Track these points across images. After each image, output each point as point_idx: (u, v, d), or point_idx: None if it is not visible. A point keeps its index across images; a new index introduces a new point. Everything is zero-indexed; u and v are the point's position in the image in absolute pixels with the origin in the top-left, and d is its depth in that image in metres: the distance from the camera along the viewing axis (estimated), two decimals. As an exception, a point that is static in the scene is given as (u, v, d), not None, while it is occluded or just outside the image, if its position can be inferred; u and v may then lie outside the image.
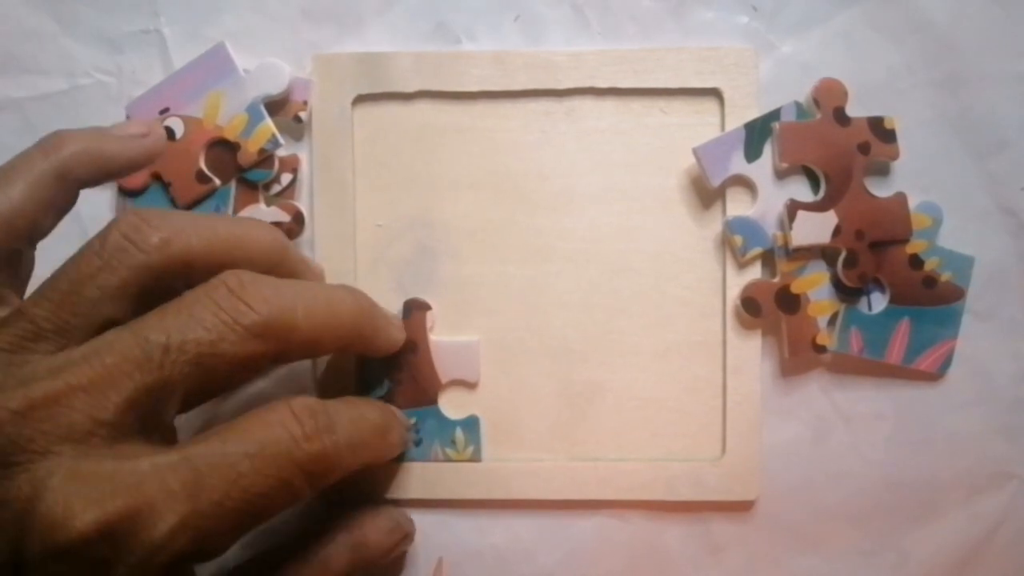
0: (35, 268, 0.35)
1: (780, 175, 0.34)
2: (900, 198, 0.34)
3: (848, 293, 0.34)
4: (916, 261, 0.34)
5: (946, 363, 0.34)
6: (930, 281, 0.34)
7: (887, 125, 0.34)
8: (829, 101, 0.34)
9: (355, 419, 0.28)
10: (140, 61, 0.36)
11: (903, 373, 0.35)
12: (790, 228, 0.33)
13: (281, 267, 0.28)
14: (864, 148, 0.34)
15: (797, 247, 0.33)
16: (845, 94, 0.34)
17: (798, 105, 0.34)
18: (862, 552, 0.35)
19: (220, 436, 0.24)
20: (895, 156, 0.34)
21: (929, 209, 0.34)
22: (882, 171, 0.35)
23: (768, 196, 0.34)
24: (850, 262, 0.33)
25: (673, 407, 0.35)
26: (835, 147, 0.34)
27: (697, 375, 0.35)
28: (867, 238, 0.33)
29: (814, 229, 0.33)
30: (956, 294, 0.34)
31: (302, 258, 0.32)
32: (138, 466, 0.23)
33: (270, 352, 0.25)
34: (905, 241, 0.34)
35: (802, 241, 0.33)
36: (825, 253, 0.34)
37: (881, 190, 0.34)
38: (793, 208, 0.33)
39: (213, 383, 0.25)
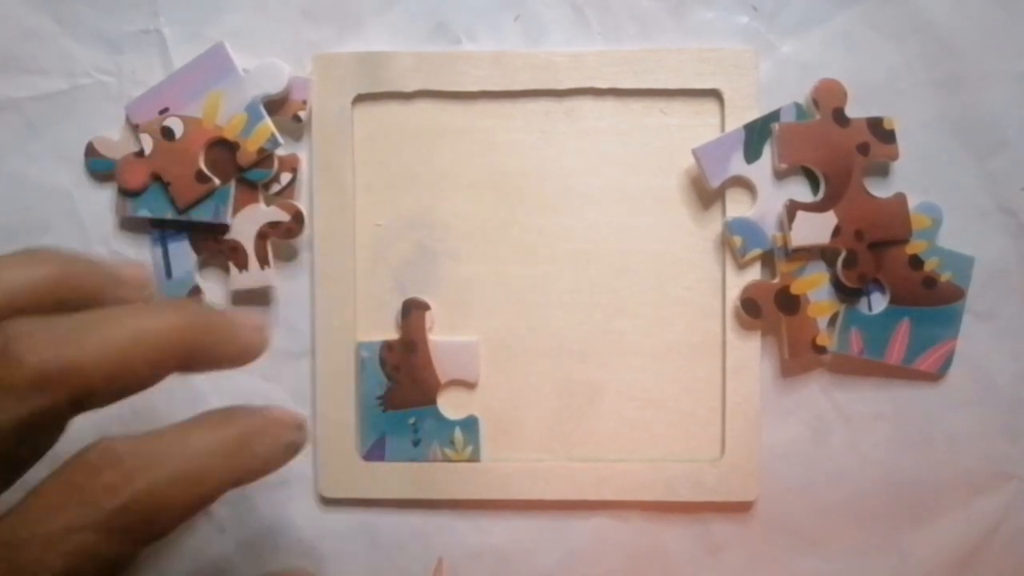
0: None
1: (780, 176, 0.34)
2: (900, 198, 0.34)
3: (848, 293, 0.34)
4: (916, 261, 0.34)
5: (946, 363, 0.34)
6: (930, 281, 0.34)
7: (886, 126, 0.34)
8: (828, 102, 0.34)
9: (177, 446, 0.24)
10: (140, 61, 0.36)
11: (903, 373, 0.34)
12: (789, 228, 0.33)
13: (73, 295, 0.24)
14: (863, 149, 0.34)
15: (797, 247, 0.33)
16: (844, 95, 0.34)
17: (798, 106, 0.34)
18: (862, 552, 0.35)
19: (11, 515, 0.21)
20: (894, 156, 0.34)
21: (929, 209, 0.34)
22: (882, 171, 0.35)
23: (768, 197, 0.34)
24: (849, 262, 0.33)
25: (672, 408, 0.35)
26: (834, 148, 0.34)
27: (697, 376, 0.35)
28: (867, 238, 0.33)
29: (813, 229, 0.33)
30: (956, 294, 0.34)
31: (108, 272, 0.26)
32: None
33: (60, 403, 0.22)
34: (905, 241, 0.34)
35: (801, 241, 0.33)
36: (825, 253, 0.34)
37: (881, 190, 0.34)
38: (792, 208, 0.33)
39: (4, 456, 0.22)
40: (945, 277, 0.34)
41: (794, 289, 0.34)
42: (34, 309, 0.23)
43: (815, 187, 0.34)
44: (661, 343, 0.35)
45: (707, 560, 0.35)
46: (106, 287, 0.25)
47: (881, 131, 0.34)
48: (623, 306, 0.35)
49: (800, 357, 0.34)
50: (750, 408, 0.34)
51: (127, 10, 0.36)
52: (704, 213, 0.35)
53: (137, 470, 0.22)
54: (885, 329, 0.34)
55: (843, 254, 0.33)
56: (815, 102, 0.34)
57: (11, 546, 0.21)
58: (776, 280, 0.34)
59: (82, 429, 0.36)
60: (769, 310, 0.34)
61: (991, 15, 0.35)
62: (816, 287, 0.34)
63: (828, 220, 0.33)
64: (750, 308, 0.34)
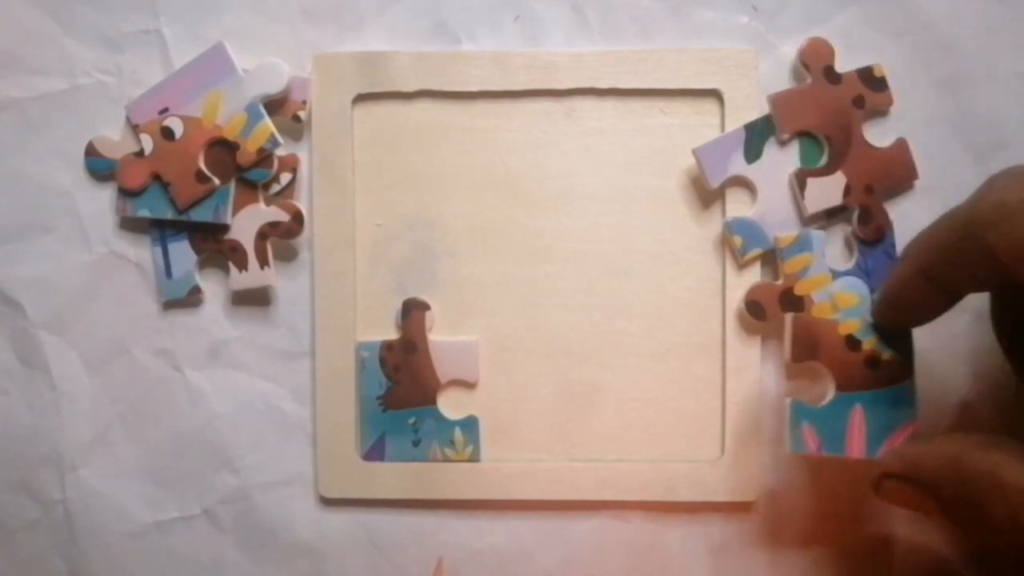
0: (29, 267, 0.35)
1: (782, 144, 0.34)
2: (901, 143, 0.34)
3: (866, 245, 0.33)
4: (853, 342, 0.32)
5: None
6: (873, 361, 0.32)
7: (876, 73, 0.34)
8: (817, 61, 0.34)
9: None
10: (140, 61, 0.36)
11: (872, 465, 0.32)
12: (802, 197, 0.33)
13: None
14: (858, 101, 0.34)
15: (812, 214, 0.33)
16: (832, 52, 0.34)
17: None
18: (862, 552, 0.35)
19: None
20: (889, 103, 0.34)
21: (853, 286, 0.33)
22: (879, 121, 0.35)
23: (768, 197, 0.34)
24: (865, 218, 0.33)
25: (673, 408, 0.35)
26: (831, 106, 0.34)
27: (697, 376, 0.35)
28: (877, 191, 0.33)
29: (825, 193, 0.33)
30: (903, 372, 0.32)
31: None
32: None
33: None
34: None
35: (816, 208, 0.33)
36: (837, 214, 0.34)
37: (880, 140, 0.34)
38: (802, 176, 0.33)
39: None
40: (887, 355, 0.32)
41: (798, 290, 0.34)
42: None
43: (814, 155, 0.34)
44: (661, 343, 0.35)
45: (707, 560, 0.35)
46: None
47: (872, 80, 0.34)
48: (623, 306, 0.35)
49: (803, 359, 0.34)
50: (750, 408, 0.34)
51: (127, 10, 0.36)
52: (704, 213, 0.35)
53: None
54: (839, 420, 0.32)
55: (856, 211, 0.33)
56: (805, 65, 0.34)
57: None
58: (779, 282, 0.34)
59: (82, 429, 0.37)
60: (773, 312, 0.34)
61: (991, 15, 0.34)
62: (819, 288, 0.34)
63: (838, 181, 0.33)
64: (755, 310, 0.33)
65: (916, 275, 0.29)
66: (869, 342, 0.32)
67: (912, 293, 0.29)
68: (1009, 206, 0.25)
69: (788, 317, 0.33)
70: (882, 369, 0.32)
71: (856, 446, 0.32)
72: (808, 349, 0.32)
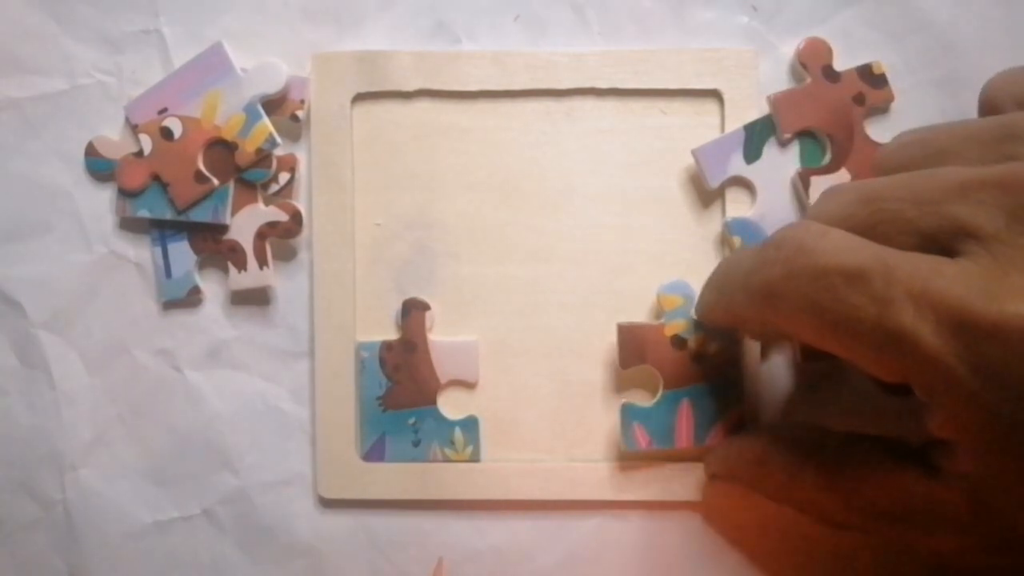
0: (30, 267, 0.35)
1: (783, 145, 0.34)
2: None
3: None
4: (679, 341, 0.33)
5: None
6: (699, 356, 0.33)
7: (876, 70, 0.34)
8: (816, 61, 0.34)
9: None
10: (140, 61, 0.36)
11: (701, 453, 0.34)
12: (807, 196, 0.33)
13: None
14: (859, 99, 0.34)
15: None
16: (830, 51, 0.34)
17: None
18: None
19: None
20: (890, 99, 0.34)
21: (676, 288, 0.33)
22: (881, 119, 0.34)
23: (767, 197, 0.34)
24: None
25: (672, 407, 0.35)
26: (831, 104, 0.34)
27: (696, 375, 0.35)
28: None
29: None
30: (728, 362, 0.33)
31: None
32: None
33: None
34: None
35: None
36: None
37: (883, 137, 0.34)
38: (806, 175, 0.33)
39: None
40: (714, 348, 0.33)
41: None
42: None
43: (816, 155, 0.34)
44: (661, 343, 0.35)
45: (707, 560, 0.35)
46: None
47: (871, 77, 0.34)
48: (623, 306, 0.35)
49: (815, 361, 0.34)
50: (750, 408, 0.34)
51: (127, 10, 0.36)
52: (704, 213, 0.35)
53: None
54: (667, 416, 0.33)
55: None
56: (803, 65, 0.34)
57: None
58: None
59: (82, 429, 0.37)
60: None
61: (991, 15, 0.34)
62: None
63: (842, 179, 0.33)
64: None
65: (718, 307, 0.30)
66: (695, 339, 0.33)
67: (721, 320, 0.31)
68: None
69: (616, 326, 0.33)
70: (708, 362, 0.33)
71: (685, 438, 0.33)
72: (636, 354, 0.33)
